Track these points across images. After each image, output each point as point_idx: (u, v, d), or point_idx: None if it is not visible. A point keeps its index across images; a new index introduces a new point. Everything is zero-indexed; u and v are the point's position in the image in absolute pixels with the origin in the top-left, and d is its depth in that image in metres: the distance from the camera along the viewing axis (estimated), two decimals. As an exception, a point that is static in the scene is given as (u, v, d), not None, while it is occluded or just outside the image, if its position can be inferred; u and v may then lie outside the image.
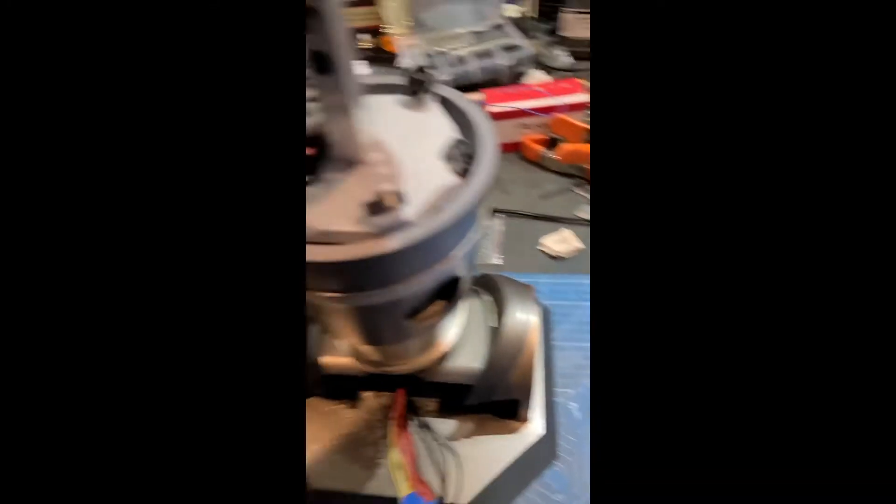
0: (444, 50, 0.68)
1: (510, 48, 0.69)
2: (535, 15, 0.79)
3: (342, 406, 0.36)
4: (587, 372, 0.39)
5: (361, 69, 0.75)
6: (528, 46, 0.70)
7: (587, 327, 0.42)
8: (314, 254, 0.18)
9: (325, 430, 0.35)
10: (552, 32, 0.78)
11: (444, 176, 0.21)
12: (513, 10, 0.79)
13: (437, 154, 0.21)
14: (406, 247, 0.18)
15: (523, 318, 0.31)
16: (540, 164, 0.57)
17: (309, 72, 0.18)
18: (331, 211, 0.19)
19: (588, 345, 0.41)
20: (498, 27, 0.72)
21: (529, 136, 0.59)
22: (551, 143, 0.57)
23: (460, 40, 0.70)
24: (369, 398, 0.37)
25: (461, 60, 0.66)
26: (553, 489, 0.34)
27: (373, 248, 0.18)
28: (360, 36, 0.77)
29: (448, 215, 0.19)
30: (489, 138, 0.22)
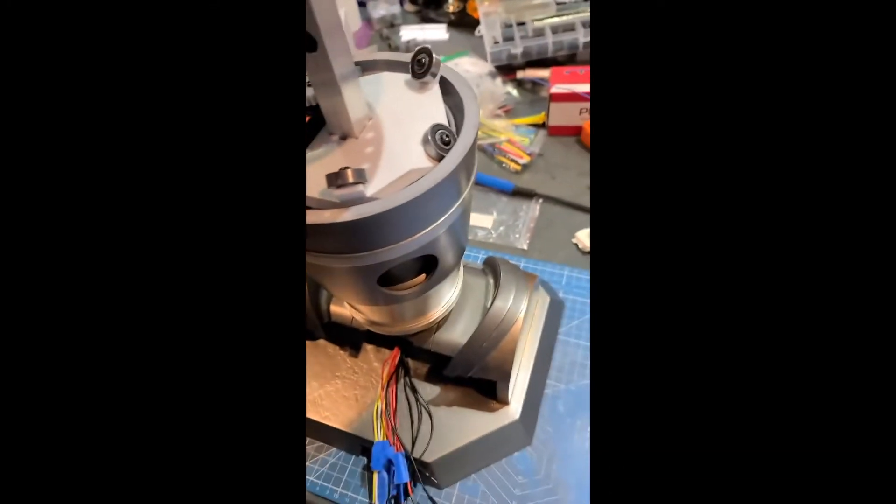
0: (524, 20, 0.65)
1: (596, 24, 0.65)
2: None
3: (345, 352, 0.40)
4: (583, 371, 0.39)
5: (438, 34, 0.75)
6: None
7: (599, 327, 0.41)
8: None
9: (326, 369, 0.39)
10: None
11: (417, 159, 0.22)
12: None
13: (418, 137, 0.22)
14: (356, 220, 0.19)
15: (513, 304, 0.32)
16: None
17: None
18: (310, 177, 0.21)
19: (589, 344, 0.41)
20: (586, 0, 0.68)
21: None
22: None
23: (544, 10, 0.67)
24: (370, 350, 0.40)
25: (539, 33, 0.64)
26: (517, 470, 0.35)
27: (322, 217, 0.20)
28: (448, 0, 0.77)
29: (400, 198, 0.20)
30: (471, 129, 0.22)
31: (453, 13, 0.77)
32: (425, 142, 0.22)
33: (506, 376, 0.33)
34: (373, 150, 0.22)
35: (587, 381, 0.38)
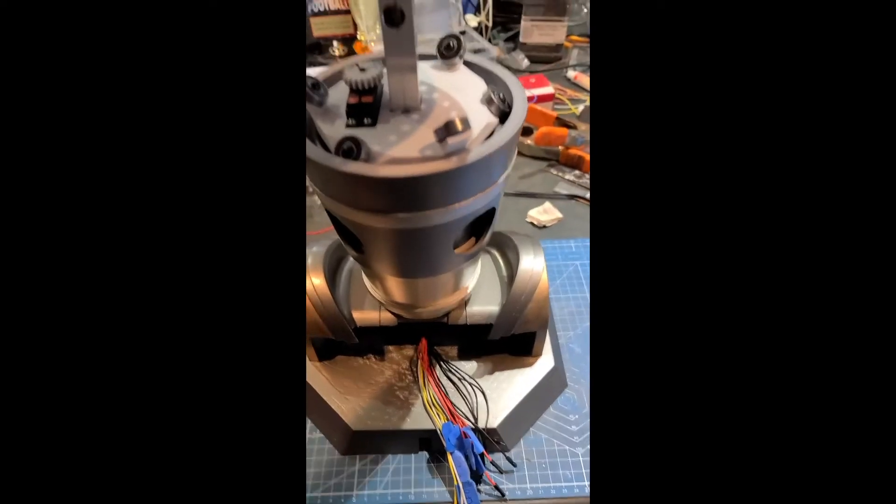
0: (416, 53, 0.73)
1: (476, 51, 0.75)
2: (490, 24, 0.87)
3: (370, 360, 0.39)
4: (582, 317, 0.44)
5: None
6: (491, 49, 0.77)
7: (576, 281, 0.47)
8: (389, 171, 0.22)
9: (359, 381, 0.38)
10: (508, 39, 0.86)
11: (486, 117, 0.25)
12: (473, 20, 0.87)
13: (477, 100, 0.26)
14: (473, 161, 0.22)
15: (535, 261, 0.36)
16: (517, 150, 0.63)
17: (384, 27, 0.23)
18: (400, 143, 0.23)
19: (580, 293, 0.46)
20: (462, 33, 0.79)
21: (504, 125, 0.65)
22: (526, 131, 0.63)
23: (429, 45, 0.76)
24: (394, 352, 0.40)
25: (434, 62, 0.72)
26: (567, 411, 0.38)
27: (446, 164, 0.22)
28: (334, 43, 0.81)
29: (501, 139, 0.23)
30: (516, 85, 0.27)
31: (340, 56, 0.81)
32: (487, 101, 0.26)
33: (545, 324, 0.36)
34: (444, 115, 0.25)
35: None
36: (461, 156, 0.22)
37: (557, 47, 0.79)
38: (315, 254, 0.37)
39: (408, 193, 0.23)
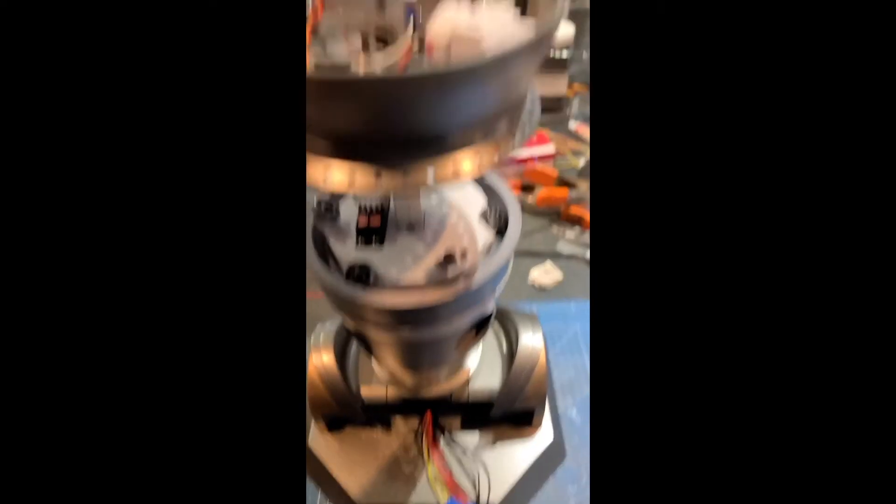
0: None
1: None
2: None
3: (378, 432, 0.41)
4: (581, 383, 0.46)
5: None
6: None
7: (574, 347, 0.49)
8: (396, 300, 0.24)
9: (366, 454, 0.40)
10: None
11: (485, 234, 0.27)
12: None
13: (476, 217, 0.28)
14: (482, 282, 0.24)
15: (534, 338, 0.38)
16: (517, 205, 0.66)
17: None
18: (406, 270, 0.26)
19: (580, 359, 0.48)
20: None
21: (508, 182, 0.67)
22: (527, 188, 0.65)
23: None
24: (400, 423, 0.42)
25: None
26: (564, 483, 0.40)
27: (447, 293, 0.24)
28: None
29: (500, 258, 0.25)
30: (513, 201, 0.29)
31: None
32: (486, 218, 0.28)
33: (543, 401, 0.38)
34: (447, 234, 0.27)
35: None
36: (463, 281, 0.25)
37: (559, 99, 0.82)
38: (326, 332, 0.39)
39: (413, 316, 0.25)
